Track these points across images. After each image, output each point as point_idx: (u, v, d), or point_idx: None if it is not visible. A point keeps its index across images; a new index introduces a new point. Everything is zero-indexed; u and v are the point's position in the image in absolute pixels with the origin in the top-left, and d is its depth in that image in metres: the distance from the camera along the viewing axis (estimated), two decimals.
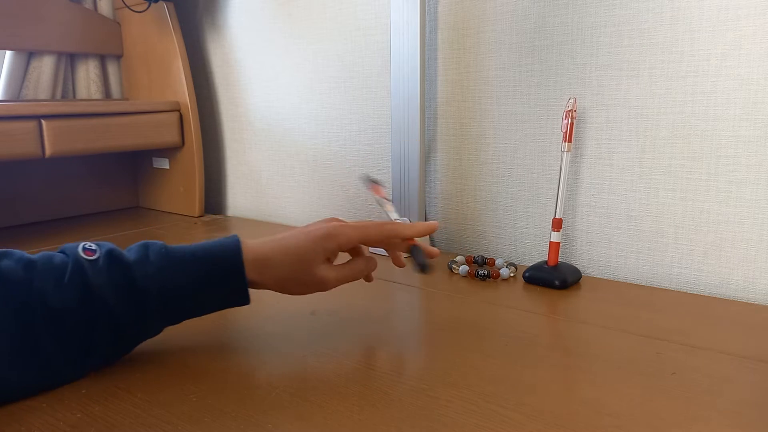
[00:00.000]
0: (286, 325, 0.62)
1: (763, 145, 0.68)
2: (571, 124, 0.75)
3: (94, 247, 0.50)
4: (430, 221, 0.61)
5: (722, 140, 0.70)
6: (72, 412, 0.45)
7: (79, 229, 1.14)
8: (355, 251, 0.60)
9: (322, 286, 0.56)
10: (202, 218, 1.22)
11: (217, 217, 1.25)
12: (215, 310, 0.55)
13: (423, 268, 0.56)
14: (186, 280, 0.51)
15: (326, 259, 0.55)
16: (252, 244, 0.54)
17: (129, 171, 1.36)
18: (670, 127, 0.73)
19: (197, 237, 1.05)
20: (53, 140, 1.00)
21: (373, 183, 0.72)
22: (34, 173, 1.19)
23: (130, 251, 0.52)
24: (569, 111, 0.75)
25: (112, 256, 0.50)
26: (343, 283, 0.57)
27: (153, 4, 1.18)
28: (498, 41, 0.85)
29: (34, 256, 0.49)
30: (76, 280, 0.48)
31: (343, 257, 0.59)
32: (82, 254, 0.49)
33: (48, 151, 1.00)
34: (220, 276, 0.52)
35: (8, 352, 0.46)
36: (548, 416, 0.44)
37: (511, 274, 0.77)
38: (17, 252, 0.50)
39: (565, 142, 0.75)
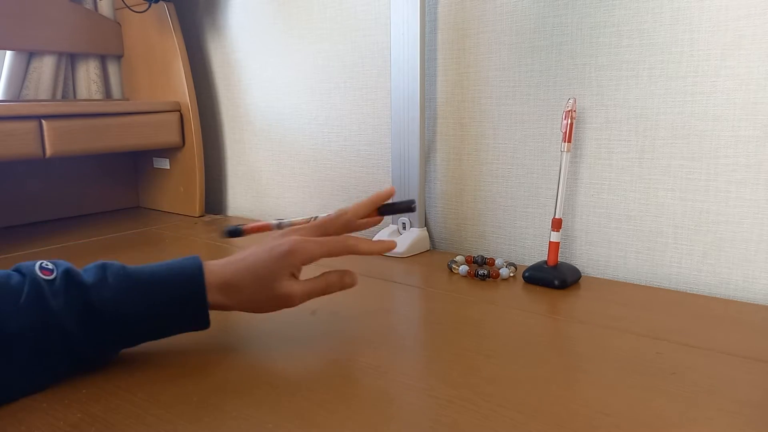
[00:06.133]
0: (286, 325, 0.62)
1: (763, 145, 0.68)
2: (571, 124, 0.75)
3: (50, 266, 0.49)
4: (389, 240, 0.59)
5: (722, 140, 0.70)
6: (72, 412, 0.45)
7: (79, 229, 1.14)
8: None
9: (288, 302, 0.54)
10: (202, 218, 1.22)
11: (217, 217, 1.25)
12: (174, 334, 0.54)
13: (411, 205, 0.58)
14: (145, 304, 0.50)
15: (291, 275, 0.54)
16: (215, 267, 0.53)
17: (129, 171, 1.36)
18: (670, 127, 0.73)
19: (197, 237, 1.05)
20: (53, 140, 1.00)
21: (238, 231, 0.63)
22: (34, 173, 1.19)
23: (87, 272, 0.50)
24: (569, 111, 0.75)
25: (69, 277, 0.49)
26: (312, 298, 0.56)
27: (153, 5, 1.18)
28: (498, 41, 0.85)
29: None
30: (32, 301, 0.47)
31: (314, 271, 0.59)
32: (39, 274, 0.48)
33: (48, 151, 1.00)
34: (180, 301, 0.52)
35: None
36: (548, 416, 0.44)
37: (511, 274, 0.77)
38: None
39: (564, 142, 0.75)
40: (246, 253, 0.55)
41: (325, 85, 1.07)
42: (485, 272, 0.77)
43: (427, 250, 0.94)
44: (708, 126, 0.71)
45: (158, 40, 1.22)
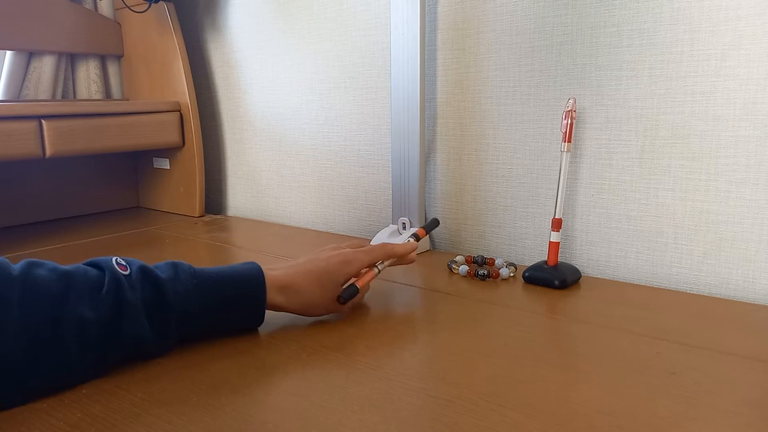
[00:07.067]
0: (286, 324, 0.62)
1: (763, 145, 0.68)
2: (571, 124, 0.75)
3: (124, 262, 0.53)
4: (411, 242, 0.71)
5: (722, 140, 0.70)
6: (72, 412, 0.45)
7: (79, 229, 1.14)
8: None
9: (341, 307, 0.63)
10: (202, 218, 1.22)
11: (218, 217, 1.25)
12: (230, 330, 0.59)
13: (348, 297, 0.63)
14: (211, 301, 0.55)
15: (344, 282, 0.62)
16: (273, 271, 0.59)
17: (129, 171, 1.36)
18: (670, 127, 0.73)
19: (198, 237, 1.05)
20: (53, 140, 1.00)
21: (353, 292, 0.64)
22: (34, 173, 1.19)
23: (159, 269, 0.54)
24: (569, 111, 0.75)
25: (144, 272, 0.52)
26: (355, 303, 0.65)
27: (153, 5, 1.18)
28: (498, 41, 0.85)
29: (68, 267, 0.50)
30: (113, 293, 0.49)
31: None
32: (117, 269, 0.51)
33: (48, 151, 1.00)
34: (243, 299, 0.57)
35: (35, 362, 0.46)
36: (548, 416, 0.44)
37: (511, 274, 0.77)
38: (50, 263, 0.50)
39: (564, 142, 0.75)
40: (305, 260, 0.62)
41: (325, 85, 1.07)
42: (485, 272, 0.77)
43: (427, 250, 0.94)
44: (708, 126, 0.71)
45: (158, 40, 1.22)
